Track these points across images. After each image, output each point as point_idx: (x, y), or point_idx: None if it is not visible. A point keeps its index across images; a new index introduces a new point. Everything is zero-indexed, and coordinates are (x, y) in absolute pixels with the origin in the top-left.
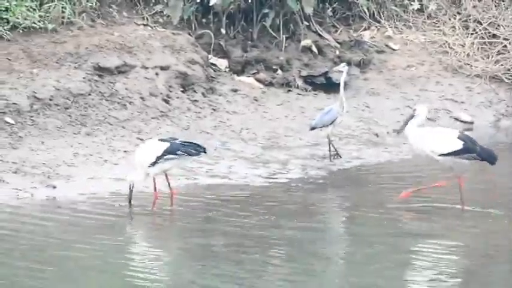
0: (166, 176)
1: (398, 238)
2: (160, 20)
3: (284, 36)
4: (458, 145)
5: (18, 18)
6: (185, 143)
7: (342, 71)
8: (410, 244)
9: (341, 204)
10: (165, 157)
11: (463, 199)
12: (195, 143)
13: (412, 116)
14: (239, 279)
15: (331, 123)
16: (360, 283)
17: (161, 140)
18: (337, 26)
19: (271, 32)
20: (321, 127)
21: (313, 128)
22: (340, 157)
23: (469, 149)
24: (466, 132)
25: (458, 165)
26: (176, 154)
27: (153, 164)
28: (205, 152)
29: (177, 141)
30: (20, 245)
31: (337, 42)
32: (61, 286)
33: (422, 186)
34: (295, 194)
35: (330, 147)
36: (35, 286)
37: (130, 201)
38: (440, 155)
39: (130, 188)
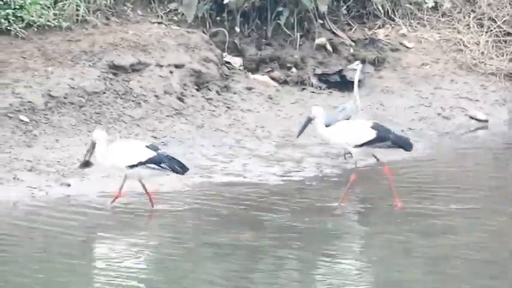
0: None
1: (412, 236)
2: (175, 18)
3: (298, 34)
4: (372, 134)
5: (32, 16)
6: (170, 157)
7: (356, 69)
8: (426, 242)
9: (355, 202)
10: (148, 165)
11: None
12: (178, 160)
13: (309, 119)
14: (251, 278)
15: None
16: (377, 281)
17: (147, 146)
18: (352, 24)
19: (286, 30)
20: None
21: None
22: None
23: (383, 138)
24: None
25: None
26: (160, 166)
27: (132, 167)
28: (187, 171)
29: (161, 152)
30: (36, 243)
31: (352, 41)
32: (80, 283)
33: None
34: (309, 192)
35: None
36: (54, 282)
37: (88, 155)
38: (355, 146)
39: (92, 143)
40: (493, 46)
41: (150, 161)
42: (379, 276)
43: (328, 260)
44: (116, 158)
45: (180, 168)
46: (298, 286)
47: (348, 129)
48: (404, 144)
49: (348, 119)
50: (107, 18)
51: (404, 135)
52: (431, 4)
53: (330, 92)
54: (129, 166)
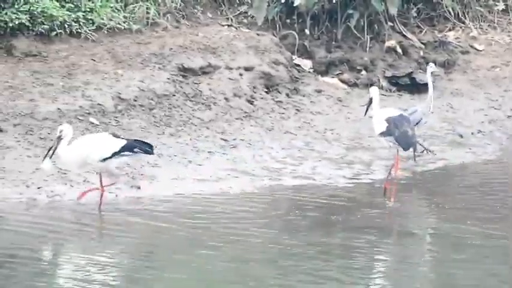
0: (100, 174)
1: (483, 238)
2: (245, 20)
3: (368, 36)
4: (383, 127)
5: (103, 19)
6: (138, 141)
7: (434, 71)
8: (496, 244)
9: (425, 205)
10: (122, 153)
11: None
12: (144, 141)
13: (371, 100)
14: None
15: (415, 124)
16: (452, 285)
17: (114, 135)
18: (422, 26)
19: (356, 32)
20: None
21: None
22: (431, 151)
23: (389, 132)
24: None
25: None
26: (133, 151)
27: (105, 159)
28: (153, 148)
29: (129, 139)
30: (106, 244)
31: (422, 43)
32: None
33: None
34: (379, 194)
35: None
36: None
37: (48, 152)
38: (377, 136)
39: (59, 138)
40: None
41: (124, 149)
42: (453, 282)
43: (409, 260)
44: (86, 153)
45: (149, 149)
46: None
47: (375, 119)
48: (402, 144)
49: (419, 122)
50: (177, 21)
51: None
52: (501, 7)
53: (400, 95)
54: (102, 160)
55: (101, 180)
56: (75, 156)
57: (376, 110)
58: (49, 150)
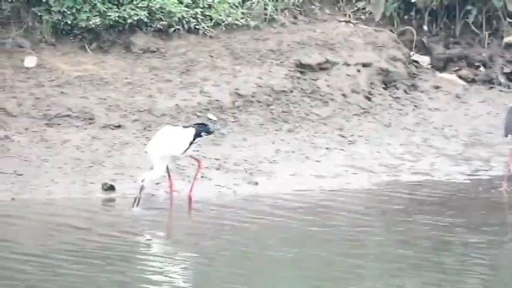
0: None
1: None
2: (362, 16)
3: (487, 33)
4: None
5: (221, 16)
6: (199, 124)
7: None
8: None
9: None
10: (195, 140)
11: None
12: (203, 123)
13: None
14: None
15: None
16: None
17: (184, 126)
18: None
19: (474, 28)
20: None
21: None
22: None
23: (503, 121)
24: None
25: None
26: (201, 136)
27: (185, 151)
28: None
29: (192, 125)
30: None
31: None
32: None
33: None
34: (498, 191)
35: None
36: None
37: (138, 201)
38: None
39: (142, 188)
40: None
41: (195, 136)
42: None
43: None
44: (169, 151)
45: (212, 129)
46: None
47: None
48: (504, 129)
49: None
50: (295, 17)
51: None
52: None
53: None
54: (183, 152)
55: (169, 177)
56: (162, 158)
57: None
58: (135, 201)
